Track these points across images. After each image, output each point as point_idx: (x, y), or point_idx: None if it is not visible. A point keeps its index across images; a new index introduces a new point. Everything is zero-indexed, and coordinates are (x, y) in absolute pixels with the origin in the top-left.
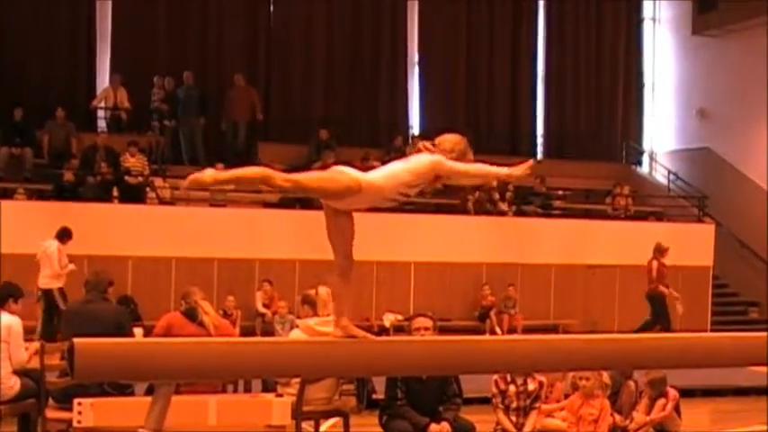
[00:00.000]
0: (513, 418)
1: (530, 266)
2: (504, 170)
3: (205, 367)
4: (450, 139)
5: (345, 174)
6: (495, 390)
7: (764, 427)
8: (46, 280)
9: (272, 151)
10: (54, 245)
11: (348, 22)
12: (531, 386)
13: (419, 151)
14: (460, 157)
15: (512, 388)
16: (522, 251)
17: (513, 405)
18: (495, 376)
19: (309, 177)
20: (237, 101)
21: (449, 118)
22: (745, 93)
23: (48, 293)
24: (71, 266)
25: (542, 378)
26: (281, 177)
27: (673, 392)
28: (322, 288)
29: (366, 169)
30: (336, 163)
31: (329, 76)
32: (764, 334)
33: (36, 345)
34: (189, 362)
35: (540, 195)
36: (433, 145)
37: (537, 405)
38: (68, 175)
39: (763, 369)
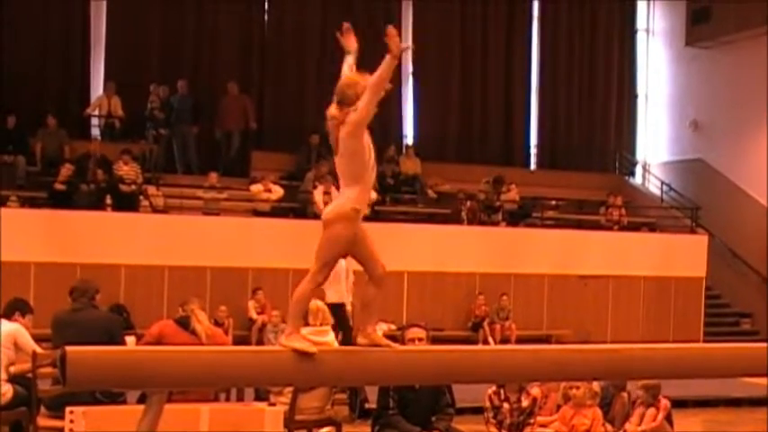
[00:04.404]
0: None
1: (523, 276)
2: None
3: (198, 375)
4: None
5: None
6: (488, 404)
7: None
8: (335, 295)
9: (266, 159)
10: (342, 262)
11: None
12: (525, 402)
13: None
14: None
15: (505, 405)
16: (516, 261)
17: (507, 421)
18: (490, 391)
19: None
20: (230, 109)
21: (442, 128)
22: (738, 104)
23: (338, 307)
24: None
25: (536, 394)
26: None
27: (664, 402)
28: (319, 302)
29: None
30: (331, 173)
31: (322, 84)
32: (757, 345)
33: None
34: (181, 370)
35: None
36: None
37: (531, 421)
38: (63, 174)
39: (754, 380)
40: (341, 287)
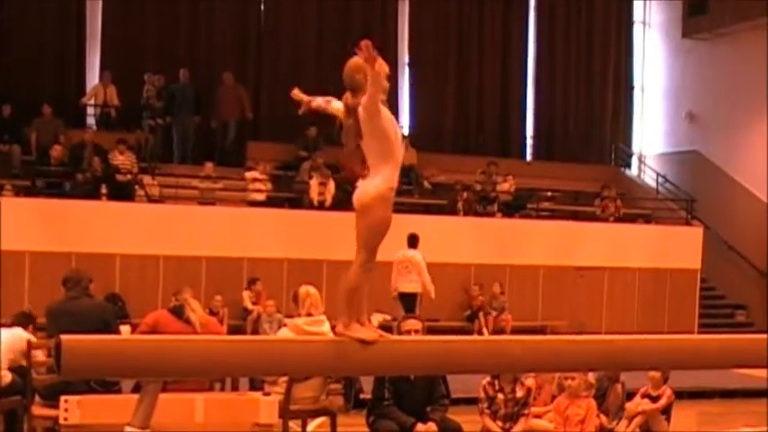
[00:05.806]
0: (500, 423)
1: (518, 267)
2: None
3: (192, 365)
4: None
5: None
6: (482, 395)
7: (750, 430)
8: (412, 285)
9: (262, 150)
10: (419, 254)
11: (338, 21)
12: (520, 393)
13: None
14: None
15: (500, 395)
16: (511, 252)
17: (502, 412)
18: (484, 382)
19: None
20: (226, 99)
21: (438, 119)
22: (734, 96)
23: (411, 297)
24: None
25: (531, 384)
26: None
27: (669, 392)
28: (310, 288)
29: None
30: (326, 164)
31: (319, 74)
32: (751, 337)
33: None
34: (176, 359)
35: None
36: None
37: (525, 411)
38: (54, 156)
39: (749, 372)
40: (423, 277)
